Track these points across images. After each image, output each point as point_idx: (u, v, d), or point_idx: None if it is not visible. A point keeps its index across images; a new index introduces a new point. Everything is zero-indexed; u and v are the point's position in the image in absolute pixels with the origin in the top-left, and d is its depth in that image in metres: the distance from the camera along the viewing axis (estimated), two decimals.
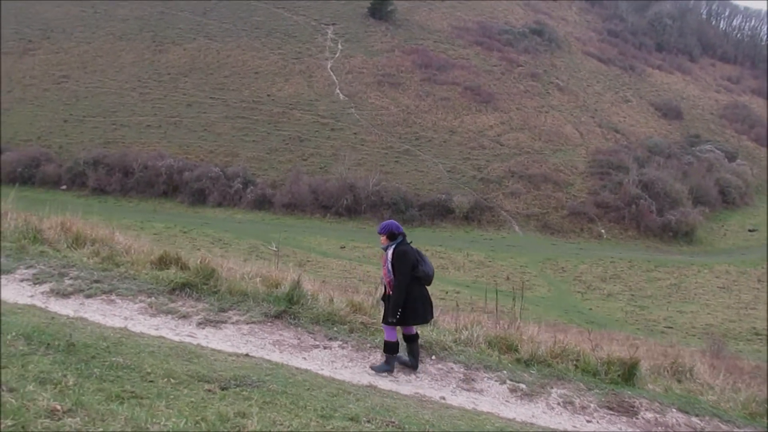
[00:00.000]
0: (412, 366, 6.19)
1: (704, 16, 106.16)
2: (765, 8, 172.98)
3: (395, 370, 5.99)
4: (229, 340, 6.15)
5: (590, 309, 32.23)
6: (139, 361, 4.46)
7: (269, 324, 6.60)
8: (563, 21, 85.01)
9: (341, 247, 39.68)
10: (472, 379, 5.86)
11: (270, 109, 54.46)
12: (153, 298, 6.97)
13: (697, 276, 39.90)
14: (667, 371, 6.44)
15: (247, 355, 5.66)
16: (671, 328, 29.93)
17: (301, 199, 45.35)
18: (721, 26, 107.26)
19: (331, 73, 59.55)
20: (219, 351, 5.64)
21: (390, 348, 6.07)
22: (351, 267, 35.16)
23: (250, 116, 53.62)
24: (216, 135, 51.53)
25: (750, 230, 53.00)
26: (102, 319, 6.17)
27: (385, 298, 6.28)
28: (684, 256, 44.59)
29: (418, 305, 6.05)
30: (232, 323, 6.56)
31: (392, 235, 6.18)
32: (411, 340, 6.24)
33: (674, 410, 5.45)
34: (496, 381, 5.87)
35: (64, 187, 46.64)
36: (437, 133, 53.48)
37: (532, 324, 8.14)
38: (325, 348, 6.23)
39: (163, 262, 7.90)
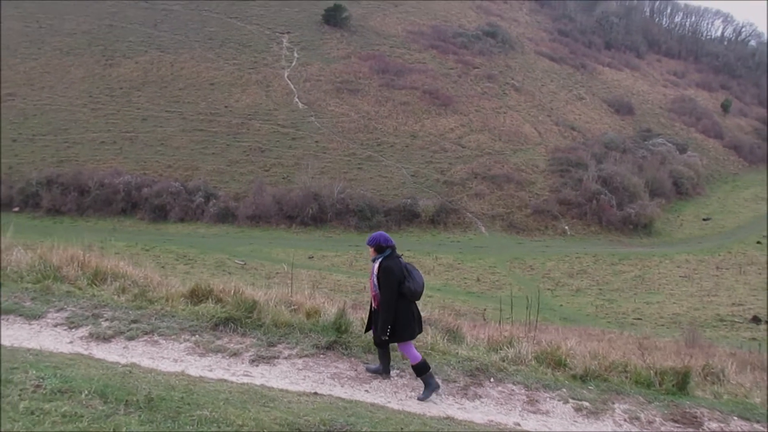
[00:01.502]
0: (383, 372, 6.20)
1: (648, 14, 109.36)
2: (703, 5, 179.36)
3: (458, 395, 5.92)
4: (287, 377, 5.93)
5: (561, 305, 32.70)
6: (224, 413, 4.23)
7: (322, 356, 6.40)
8: (515, 22, 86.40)
9: (309, 257, 39.32)
10: (536, 401, 5.79)
11: (228, 120, 53.65)
12: (197, 336, 6.65)
13: (659, 267, 40.94)
14: (699, 374, 6.47)
15: (315, 393, 5.50)
16: (640, 319, 30.59)
17: (266, 211, 44.76)
18: (664, 23, 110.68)
19: (289, 81, 59.08)
20: (286, 391, 5.43)
21: (420, 369, 5.93)
22: (321, 276, 34.85)
23: (208, 128, 52.72)
24: (174, 149, 50.46)
25: (704, 219, 54.74)
26: (152, 363, 5.85)
27: (372, 311, 6.18)
28: (645, 248, 45.71)
29: (405, 323, 5.95)
30: (285, 358, 6.32)
31: (380, 247, 6.06)
32: (382, 345, 6.18)
33: (735, 418, 5.48)
34: (558, 400, 5.82)
35: (16, 209, 44.88)
36: (399, 138, 53.58)
37: (549, 329, 8.12)
38: (384, 378, 6.10)
39: (195, 296, 7.56)
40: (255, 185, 46.17)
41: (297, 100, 56.80)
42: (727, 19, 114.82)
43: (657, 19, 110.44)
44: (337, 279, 34.76)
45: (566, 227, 47.04)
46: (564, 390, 6.00)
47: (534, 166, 53.00)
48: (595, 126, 65.28)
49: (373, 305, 6.15)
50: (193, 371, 5.76)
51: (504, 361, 6.48)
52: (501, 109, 60.89)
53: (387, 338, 5.92)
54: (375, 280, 6.01)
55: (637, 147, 62.39)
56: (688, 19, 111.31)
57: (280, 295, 7.66)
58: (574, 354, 6.66)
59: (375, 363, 6.38)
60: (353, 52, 65.26)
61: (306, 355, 6.38)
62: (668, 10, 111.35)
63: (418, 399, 5.87)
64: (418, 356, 5.98)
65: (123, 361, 5.83)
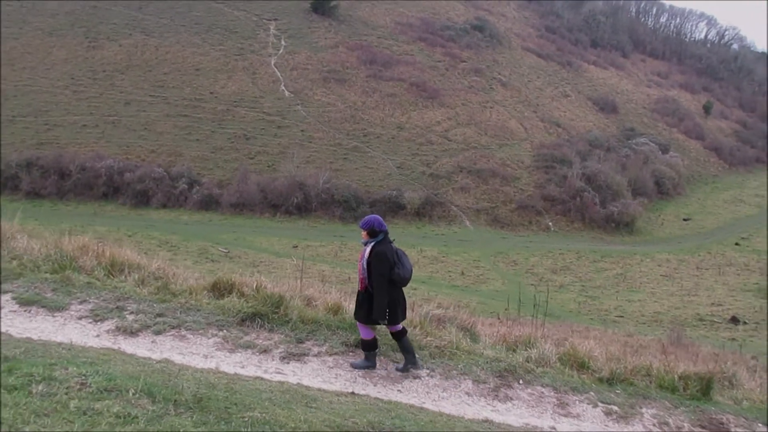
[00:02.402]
0: (411, 364, 6.19)
1: (634, 14, 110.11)
2: (688, 7, 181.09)
3: (490, 392, 5.91)
4: (319, 375, 5.83)
5: (545, 301, 32.86)
6: (274, 414, 4.14)
7: (351, 354, 6.30)
8: (503, 17, 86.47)
9: (294, 247, 39.09)
10: (566, 404, 5.76)
11: (213, 106, 53.03)
12: (225, 331, 6.47)
13: (641, 265, 41.37)
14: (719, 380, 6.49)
15: (353, 393, 5.42)
16: (622, 317, 30.93)
17: (250, 199, 44.40)
18: (650, 23, 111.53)
19: (276, 69, 58.53)
20: (324, 391, 5.33)
21: (368, 345, 6.12)
22: (305, 266, 34.54)
23: (193, 114, 52.06)
24: (157, 134, 49.76)
25: (684, 219, 55.42)
26: (182, 359, 5.69)
27: (359, 294, 6.16)
28: (626, 246, 46.17)
29: (389, 306, 5.97)
30: (314, 355, 6.21)
31: (373, 231, 6.06)
32: (399, 336, 6.19)
33: (761, 425, 5.50)
34: (588, 404, 5.79)
35: None
36: (385, 129, 53.41)
37: (555, 327, 8.11)
38: (414, 378, 6.00)
39: (217, 289, 7.37)
40: (239, 173, 45.73)
41: (283, 88, 56.32)
42: (710, 21, 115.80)
43: (643, 20, 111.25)
44: (322, 269, 34.58)
45: (550, 223, 47.33)
46: (592, 393, 5.98)
47: (519, 162, 53.19)
48: (579, 123, 65.69)
49: (359, 288, 6.14)
50: (227, 368, 5.63)
51: (528, 361, 6.44)
52: (487, 104, 60.96)
53: (386, 322, 5.95)
54: (365, 264, 6.00)
55: (620, 146, 62.92)
56: (673, 21, 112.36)
57: (291, 288, 7.50)
58: (596, 356, 6.65)
59: (400, 362, 6.36)
60: (341, 41, 64.83)
61: (336, 353, 6.30)
62: (654, 11, 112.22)
63: (351, 364, 6.09)
64: (372, 334, 6.12)
65: (154, 356, 5.68)
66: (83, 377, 4.16)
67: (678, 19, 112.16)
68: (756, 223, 54.03)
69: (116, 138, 48.89)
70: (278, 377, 5.59)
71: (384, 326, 6.21)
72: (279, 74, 57.91)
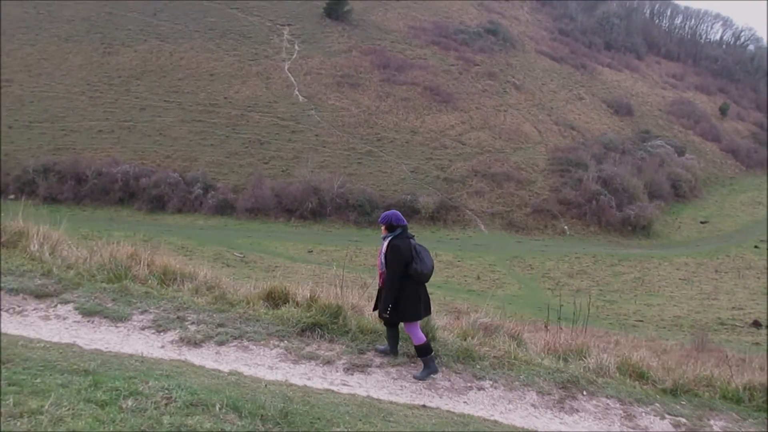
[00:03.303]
0: (391, 353, 6.25)
1: (648, 16, 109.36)
2: (703, 8, 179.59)
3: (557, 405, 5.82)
4: (384, 386, 5.77)
5: (562, 305, 32.57)
6: (356, 429, 4.15)
7: (412, 365, 6.23)
8: (516, 20, 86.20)
9: (309, 251, 39.04)
10: (633, 416, 5.64)
11: (228, 111, 53.25)
12: (286, 341, 6.44)
13: (659, 269, 40.89)
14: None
15: (424, 406, 5.37)
16: (641, 321, 30.54)
17: (265, 204, 44.48)
18: (664, 25, 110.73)
19: (289, 74, 58.69)
20: (395, 403, 5.28)
21: (423, 350, 6.05)
22: (320, 271, 34.47)
23: (208, 119, 52.30)
24: (172, 139, 50.04)
25: (702, 222, 54.80)
26: (249, 371, 5.66)
27: (380, 290, 6.18)
28: (643, 249, 45.68)
29: (409, 304, 5.95)
30: (377, 366, 6.14)
31: (391, 226, 6.07)
32: (391, 324, 6.19)
33: None
34: (655, 416, 5.67)
35: (12, 196, 44.42)
36: (399, 134, 53.33)
37: (593, 335, 7.95)
38: (479, 389, 5.94)
39: (271, 299, 7.32)
40: (254, 178, 45.85)
41: (297, 92, 56.44)
42: (726, 23, 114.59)
43: (657, 21, 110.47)
44: (337, 273, 34.41)
45: (566, 227, 46.97)
46: (657, 405, 5.85)
47: (534, 165, 52.88)
48: (594, 126, 65.23)
49: (378, 283, 6.18)
50: (295, 380, 5.60)
51: (587, 371, 6.31)
52: (501, 107, 60.71)
53: (387, 316, 5.94)
54: (383, 258, 6.03)
55: (635, 148, 62.35)
56: (688, 22, 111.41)
57: (335, 297, 7.42)
58: (653, 366, 6.52)
59: (383, 344, 6.45)
60: (354, 46, 64.90)
61: (397, 364, 6.23)
62: (668, 13, 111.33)
63: (414, 377, 5.98)
64: (423, 337, 6.05)
65: (221, 368, 5.64)
66: (167, 391, 4.13)
67: (693, 20, 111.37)
68: None
69: (132, 143, 49.21)
70: (345, 389, 5.55)
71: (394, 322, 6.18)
72: (293, 79, 58.06)
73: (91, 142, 49.21)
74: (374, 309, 6.31)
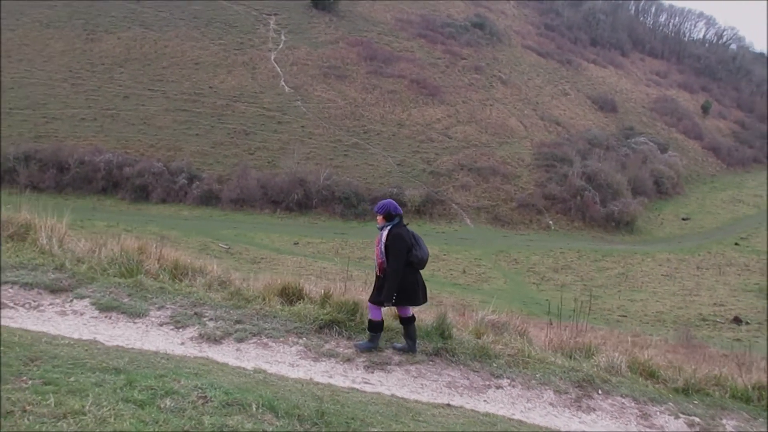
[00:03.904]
0: (409, 350, 6.30)
1: (633, 13, 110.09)
2: (687, 6, 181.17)
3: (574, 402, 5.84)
4: (405, 385, 5.75)
5: (547, 300, 32.82)
6: (391, 429, 4.10)
7: (431, 363, 6.23)
8: (502, 14, 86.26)
9: (294, 243, 38.90)
10: (648, 415, 5.66)
11: (213, 101, 52.70)
12: (304, 338, 6.39)
13: (642, 264, 41.35)
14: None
15: (448, 405, 5.36)
16: (625, 316, 30.89)
17: (250, 195, 44.18)
18: (648, 22, 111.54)
19: (275, 64, 58.21)
20: (420, 402, 5.24)
21: (374, 327, 6.26)
22: (306, 263, 34.53)
23: (192, 109, 51.71)
24: (156, 128, 49.41)
25: (683, 219, 55.45)
26: (270, 368, 5.59)
27: (378, 279, 6.19)
28: (627, 245, 46.15)
29: (409, 289, 6.04)
30: (396, 364, 6.11)
31: (389, 215, 6.13)
32: (407, 322, 6.28)
33: None
34: (669, 415, 5.69)
35: None
36: (385, 126, 53.21)
37: (595, 331, 7.98)
38: (497, 388, 5.96)
39: (285, 295, 7.25)
40: (239, 168, 45.49)
41: (283, 83, 56.02)
42: (709, 21, 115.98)
43: (642, 19, 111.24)
44: (323, 266, 34.43)
45: (550, 222, 47.28)
46: (671, 404, 5.89)
47: (519, 160, 53.09)
48: (579, 122, 65.62)
49: (377, 273, 6.18)
50: (319, 378, 5.56)
51: (599, 370, 6.34)
52: (488, 102, 60.81)
53: (393, 303, 6.03)
54: (382, 248, 6.07)
55: (619, 145, 62.88)
56: (672, 20, 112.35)
57: (335, 291, 7.37)
58: (663, 365, 6.57)
59: (401, 342, 6.49)
60: (341, 37, 64.51)
61: (416, 362, 6.22)
62: (653, 10, 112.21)
63: (354, 344, 6.26)
64: (380, 316, 6.26)
65: (244, 365, 5.57)
66: (201, 390, 4.07)
67: (677, 18, 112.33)
68: (755, 223, 54.14)
69: (115, 132, 48.52)
70: (369, 388, 5.52)
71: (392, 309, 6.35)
72: (279, 69, 57.60)
73: (74, 130, 48.44)
74: (370, 300, 6.30)
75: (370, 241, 40.59)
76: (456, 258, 38.47)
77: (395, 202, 6.24)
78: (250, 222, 42.19)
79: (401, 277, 5.95)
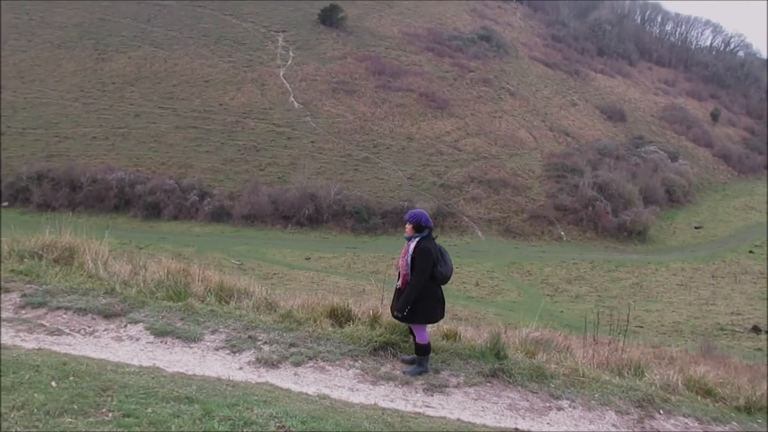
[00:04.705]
0: (420, 367, 6.18)
1: (639, 22, 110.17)
2: (693, 14, 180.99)
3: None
4: (466, 408, 5.65)
5: (562, 312, 32.58)
6: None
7: (488, 385, 6.11)
8: (509, 27, 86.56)
9: (306, 258, 38.88)
10: None
11: (223, 118, 53.02)
12: (360, 361, 6.31)
13: (656, 274, 40.99)
14: None
15: (516, 429, 5.29)
16: (642, 327, 30.53)
17: (261, 210, 44.28)
18: (655, 31, 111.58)
19: (284, 80, 58.57)
20: (488, 427, 5.17)
21: (424, 350, 6.09)
22: (319, 278, 34.48)
23: (203, 126, 52.05)
24: (167, 146, 49.75)
25: (696, 227, 55.07)
26: (331, 393, 5.53)
27: (398, 291, 6.07)
28: (640, 255, 45.82)
29: (429, 304, 5.92)
30: (455, 387, 6.00)
31: (419, 226, 6.00)
32: (423, 350, 6.16)
33: None
34: None
35: (5, 203, 44.01)
36: (395, 140, 53.31)
37: (633, 347, 7.87)
38: (558, 409, 5.81)
39: (334, 316, 7.17)
40: (250, 184, 45.65)
41: (292, 99, 56.33)
42: (716, 29, 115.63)
43: (648, 28, 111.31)
44: (336, 281, 34.37)
45: (562, 233, 47.06)
46: (734, 423, 5.73)
47: (530, 171, 53.00)
48: (588, 132, 65.52)
49: (398, 285, 6.04)
50: (383, 403, 5.47)
51: (656, 388, 6.21)
52: (496, 114, 60.87)
53: (402, 316, 5.91)
54: (408, 259, 5.91)
55: (629, 154, 62.70)
56: (678, 28, 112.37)
57: (370, 307, 7.30)
58: (716, 382, 6.44)
59: (409, 353, 6.38)
60: (349, 52, 64.90)
61: (474, 384, 6.10)
62: (659, 19, 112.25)
63: (403, 372, 6.05)
64: (427, 338, 6.11)
65: (306, 390, 5.51)
66: (277, 420, 4.04)
67: (683, 26, 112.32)
68: None
69: (126, 150, 48.88)
70: (431, 412, 5.42)
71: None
72: (288, 85, 57.95)
73: (86, 148, 48.83)
74: (392, 309, 6.22)
75: (382, 255, 40.56)
76: (468, 270, 38.29)
77: (427, 214, 6.12)
78: (262, 238, 42.25)
79: (420, 290, 5.84)
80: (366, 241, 43.20)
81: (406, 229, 6.07)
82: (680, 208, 59.03)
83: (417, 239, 5.94)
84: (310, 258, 38.93)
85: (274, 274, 35.13)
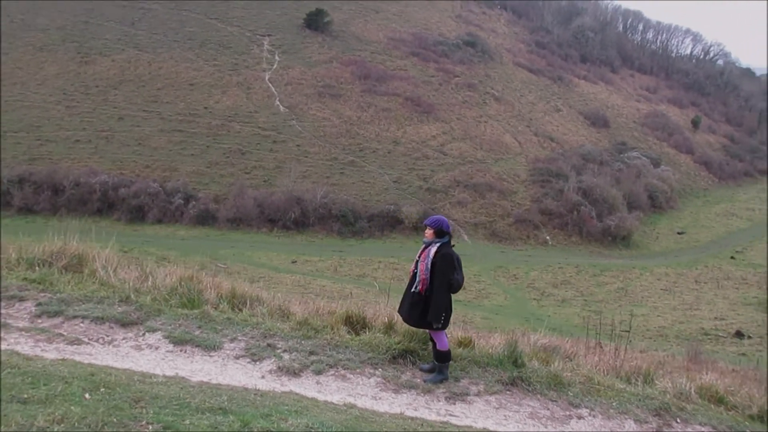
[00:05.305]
0: (440, 375, 6.20)
1: (621, 30, 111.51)
2: (674, 23, 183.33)
3: None
4: (490, 417, 5.63)
5: (549, 315, 32.79)
6: None
7: (509, 393, 6.09)
8: (493, 33, 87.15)
9: (293, 262, 38.77)
10: None
11: (208, 121, 52.69)
12: (380, 369, 6.25)
13: (640, 279, 41.46)
14: None
15: None
16: (627, 331, 30.78)
17: (247, 214, 44.03)
18: (637, 39, 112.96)
19: (270, 84, 58.37)
20: None
21: (445, 357, 6.09)
22: (305, 281, 34.37)
23: (188, 129, 51.66)
24: (152, 149, 49.29)
25: (679, 233, 55.76)
26: (355, 401, 5.46)
27: (414, 295, 6.04)
28: (624, 259, 46.29)
29: (449, 311, 6.00)
30: (475, 395, 5.99)
31: (441, 232, 6.04)
32: (443, 357, 6.18)
33: None
34: None
35: None
36: (381, 144, 53.37)
37: (634, 353, 7.95)
38: (578, 418, 5.82)
39: (350, 323, 7.11)
40: (235, 188, 45.39)
41: (278, 103, 56.14)
42: (696, 38, 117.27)
43: (630, 35, 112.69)
44: (323, 284, 34.30)
45: (548, 237, 47.41)
46: None
47: (515, 176, 53.34)
48: (572, 138, 66.09)
49: (418, 289, 5.98)
50: (407, 411, 5.42)
51: (670, 396, 6.24)
52: (482, 118, 61.20)
53: (440, 326, 5.92)
54: (428, 264, 5.92)
55: (613, 160, 63.32)
56: (659, 37, 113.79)
57: (380, 314, 7.27)
58: (728, 390, 6.50)
59: (428, 362, 6.38)
60: (335, 56, 64.87)
61: (495, 392, 6.10)
62: (640, 27, 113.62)
63: (424, 380, 6.04)
64: (447, 344, 6.13)
65: (331, 399, 5.45)
66: (312, 430, 4.00)
67: (664, 35, 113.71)
68: (749, 237, 54.52)
69: (110, 153, 48.34)
70: (455, 420, 5.41)
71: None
72: (273, 89, 57.75)
73: (69, 152, 48.22)
74: (406, 318, 6.24)
75: (368, 259, 40.55)
76: None
77: (447, 220, 6.16)
78: (248, 241, 42.02)
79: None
80: (352, 244, 43.17)
81: (426, 234, 6.08)
82: (663, 213, 59.69)
83: (438, 244, 5.97)
84: (296, 261, 38.80)
85: (260, 277, 34.92)
